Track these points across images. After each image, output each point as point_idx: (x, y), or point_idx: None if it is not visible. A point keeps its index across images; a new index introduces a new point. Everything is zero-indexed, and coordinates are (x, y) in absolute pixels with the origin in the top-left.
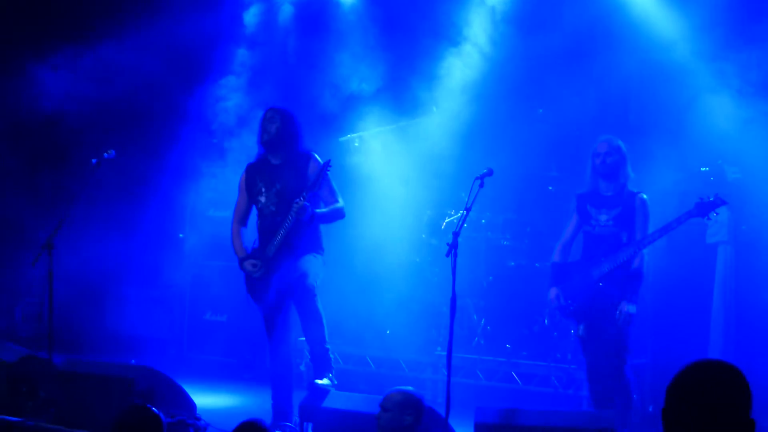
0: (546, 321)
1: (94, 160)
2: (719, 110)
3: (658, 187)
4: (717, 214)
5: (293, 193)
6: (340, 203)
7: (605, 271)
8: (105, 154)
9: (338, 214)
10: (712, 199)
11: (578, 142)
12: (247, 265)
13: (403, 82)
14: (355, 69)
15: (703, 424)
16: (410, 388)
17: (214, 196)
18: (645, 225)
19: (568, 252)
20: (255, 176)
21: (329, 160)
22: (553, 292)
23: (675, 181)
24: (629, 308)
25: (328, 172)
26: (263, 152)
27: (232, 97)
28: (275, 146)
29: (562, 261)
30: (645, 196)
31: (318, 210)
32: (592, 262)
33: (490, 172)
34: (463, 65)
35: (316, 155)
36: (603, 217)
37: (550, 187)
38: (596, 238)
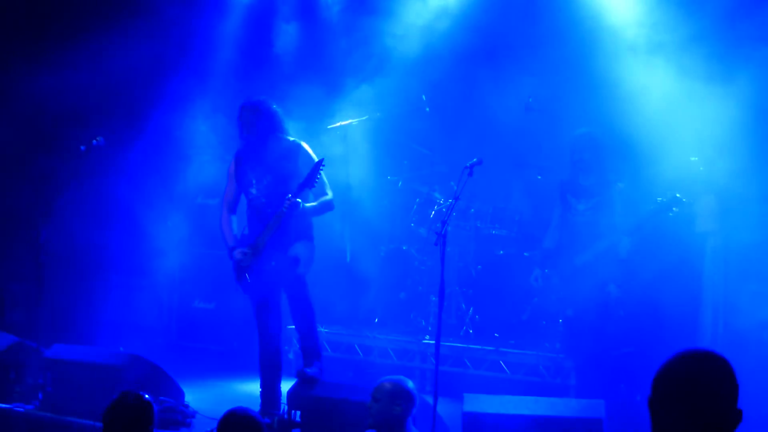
0: (524, 317)
1: (82, 147)
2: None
3: (650, 175)
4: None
5: (284, 185)
6: (330, 195)
7: (587, 259)
8: (94, 141)
9: (328, 207)
10: (669, 198)
11: (568, 131)
12: (237, 253)
13: (390, 69)
14: (343, 57)
15: (689, 414)
16: (401, 377)
17: (202, 183)
18: (624, 212)
19: (557, 237)
20: (244, 165)
21: (323, 159)
22: (537, 272)
23: (667, 168)
24: (614, 290)
25: (322, 169)
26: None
27: (218, 85)
28: (260, 139)
29: (551, 246)
30: (622, 185)
31: (308, 204)
32: (574, 249)
33: (479, 162)
34: (450, 53)
35: (305, 145)
36: (581, 207)
37: (539, 176)
38: (576, 227)
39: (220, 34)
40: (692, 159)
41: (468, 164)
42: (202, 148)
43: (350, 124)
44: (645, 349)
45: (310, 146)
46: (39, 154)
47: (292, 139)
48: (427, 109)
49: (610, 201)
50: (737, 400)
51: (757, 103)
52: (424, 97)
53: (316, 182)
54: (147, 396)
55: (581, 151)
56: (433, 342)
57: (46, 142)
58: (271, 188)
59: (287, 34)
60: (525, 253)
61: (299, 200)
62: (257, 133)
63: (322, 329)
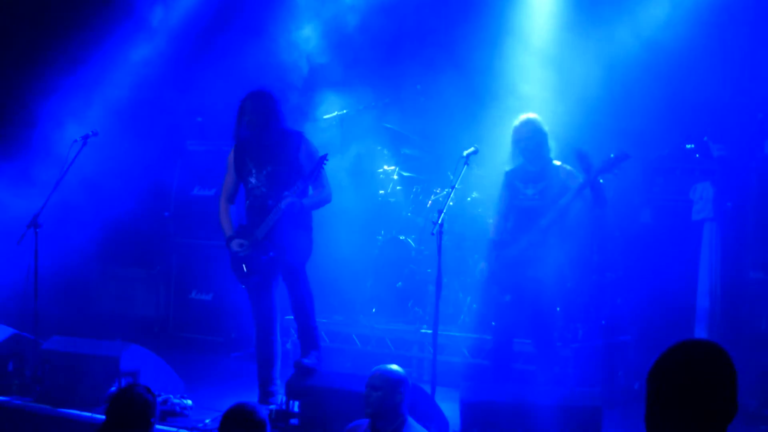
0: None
1: (76, 139)
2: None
3: (642, 164)
4: (618, 171)
5: (285, 175)
6: (328, 189)
7: (532, 238)
8: (89, 133)
9: (325, 200)
10: (612, 156)
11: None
12: (234, 244)
13: (385, 59)
14: (337, 46)
15: (686, 405)
16: (395, 366)
17: (199, 174)
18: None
19: (504, 228)
20: (244, 155)
21: (326, 155)
22: (482, 265)
23: (660, 158)
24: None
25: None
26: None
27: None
28: (260, 129)
29: (498, 238)
30: (568, 167)
31: (306, 200)
32: (521, 232)
33: (475, 151)
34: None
35: (305, 136)
36: (530, 191)
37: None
38: (524, 211)
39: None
40: (688, 146)
41: (465, 153)
42: (199, 137)
43: (345, 113)
44: (643, 336)
45: (307, 135)
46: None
47: (293, 129)
48: (419, 86)
49: (558, 183)
50: (736, 391)
51: None
52: (419, 86)
53: (318, 177)
54: (150, 389)
55: (527, 139)
56: (431, 331)
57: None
58: (271, 178)
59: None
60: None
61: (295, 200)
62: (258, 122)
63: (320, 319)
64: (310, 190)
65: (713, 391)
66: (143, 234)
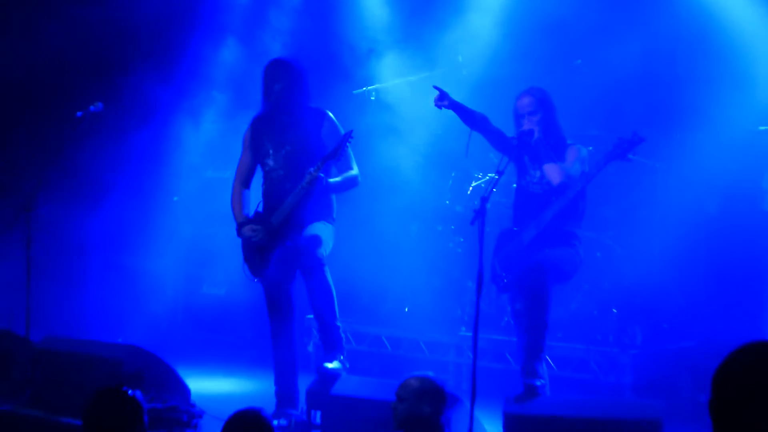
0: (573, 306)
1: (78, 113)
2: None
3: (710, 148)
4: (635, 154)
5: (305, 156)
6: (355, 170)
7: (533, 234)
8: (91, 107)
9: (353, 183)
10: (629, 136)
11: (621, 97)
12: (247, 230)
13: (424, 28)
14: (370, 16)
15: (755, 413)
16: (430, 373)
17: (212, 154)
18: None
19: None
20: (261, 134)
21: (351, 131)
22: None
23: (730, 140)
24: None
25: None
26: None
27: (233, 46)
28: (282, 104)
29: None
30: (580, 147)
31: (332, 180)
32: (523, 225)
33: (530, 132)
34: (489, 9)
35: (331, 114)
36: (538, 174)
37: (590, 147)
38: (529, 197)
39: None
40: (761, 128)
41: (514, 135)
42: (213, 113)
43: (378, 88)
44: (710, 342)
45: (334, 114)
46: (28, 121)
47: (315, 106)
48: (465, 72)
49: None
50: None
51: None
52: (460, 58)
53: (342, 155)
54: (132, 392)
55: (528, 115)
56: (470, 334)
57: (35, 109)
58: (290, 159)
59: None
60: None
61: (322, 175)
62: (279, 96)
63: (345, 319)
64: (335, 172)
65: None
66: (149, 220)
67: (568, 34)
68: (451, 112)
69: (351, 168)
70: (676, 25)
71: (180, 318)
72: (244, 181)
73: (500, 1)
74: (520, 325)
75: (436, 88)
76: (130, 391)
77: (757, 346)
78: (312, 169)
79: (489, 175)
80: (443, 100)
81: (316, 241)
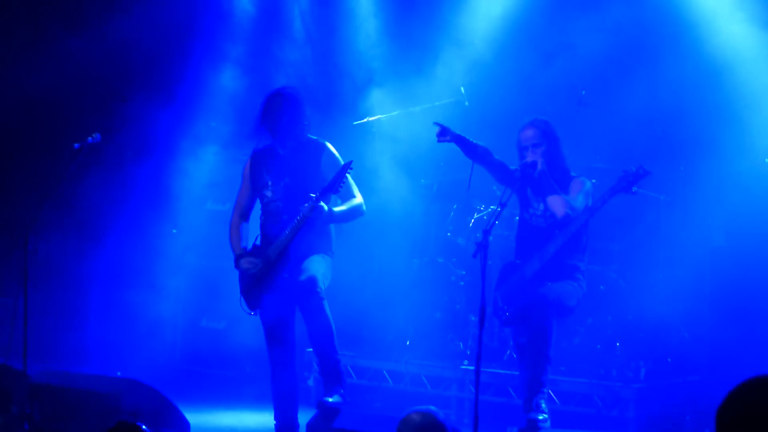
0: (576, 340)
1: (76, 145)
2: None
3: (716, 180)
4: (640, 187)
5: (304, 188)
6: (359, 199)
7: (536, 268)
8: (89, 139)
9: (357, 212)
10: (634, 170)
11: (626, 129)
12: (244, 262)
13: (425, 59)
14: (370, 47)
15: None
16: (432, 408)
17: (212, 186)
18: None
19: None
20: (261, 166)
21: (350, 162)
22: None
23: (736, 172)
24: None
25: (349, 173)
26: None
27: (233, 76)
28: (281, 136)
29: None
30: (584, 180)
31: (336, 209)
32: (525, 258)
33: (533, 164)
34: (492, 39)
35: (330, 145)
36: (541, 207)
37: (594, 180)
38: (532, 230)
39: (233, 19)
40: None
41: (517, 167)
42: (213, 144)
43: (379, 119)
44: (715, 376)
45: (334, 146)
46: (26, 153)
47: (314, 137)
48: (467, 103)
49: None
50: None
51: None
52: (462, 89)
53: (342, 186)
54: (144, 428)
55: (532, 147)
56: (473, 368)
57: (33, 141)
58: (289, 191)
59: (309, 14)
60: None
61: (323, 203)
62: (278, 128)
63: (346, 353)
64: (339, 203)
65: None
66: (147, 253)
67: (573, 65)
68: (453, 145)
69: (354, 196)
70: (683, 58)
71: (179, 352)
72: (242, 214)
73: (503, 31)
74: (522, 359)
75: (437, 124)
76: (144, 428)
77: (760, 381)
78: (307, 204)
79: (491, 207)
80: (445, 135)
81: (315, 274)
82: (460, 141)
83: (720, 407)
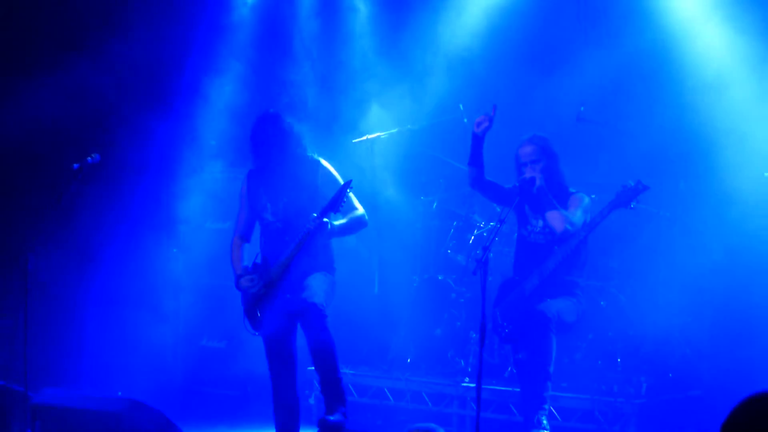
0: (577, 356)
1: (75, 165)
2: None
3: (716, 195)
4: (638, 202)
5: (303, 207)
6: (360, 210)
7: (535, 284)
8: (89, 159)
9: (360, 223)
10: (632, 184)
11: (625, 144)
12: (244, 281)
13: (425, 76)
14: (367, 65)
15: None
16: (433, 425)
17: (213, 204)
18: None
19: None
20: (257, 187)
21: (350, 181)
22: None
23: (736, 187)
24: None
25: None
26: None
27: (233, 93)
28: (274, 157)
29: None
30: (583, 195)
31: (337, 222)
32: (524, 274)
33: (531, 180)
34: (490, 58)
35: (325, 162)
36: (540, 223)
37: (593, 196)
38: (530, 246)
39: (230, 34)
40: (766, 175)
41: (515, 184)
42: (213, 162)
43: (378, 137)
44: (717, 392)
45: (332, 164)
46: (26, 173)
47: (309, 155)
48: (465, 120)
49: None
50: None
51: None
52: (461, 106)
53: (342, 205)
54: None
55: (531, 164)
56: (474, 385)
57: (34, 161)
58: (288, 211)
59: (308, 33)
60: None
61: (326, 219)
62: (271, 150)
63: (347, 371)
64: (340, 217)
65: None
66: (147, 272)
67: (572, 81)
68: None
69: (356, 208)
70: (682, 74)
71: (180, 371)
72: (243, 235)
73: (502, 48)
74: (523, 375)
75: (491, 112)
76: None
77: (763, 397)
78: (309, 225)
79: (491, 223)
80: (489, 125)
81: (317, 292)
82: (481, 145)
83: (724, 423)
